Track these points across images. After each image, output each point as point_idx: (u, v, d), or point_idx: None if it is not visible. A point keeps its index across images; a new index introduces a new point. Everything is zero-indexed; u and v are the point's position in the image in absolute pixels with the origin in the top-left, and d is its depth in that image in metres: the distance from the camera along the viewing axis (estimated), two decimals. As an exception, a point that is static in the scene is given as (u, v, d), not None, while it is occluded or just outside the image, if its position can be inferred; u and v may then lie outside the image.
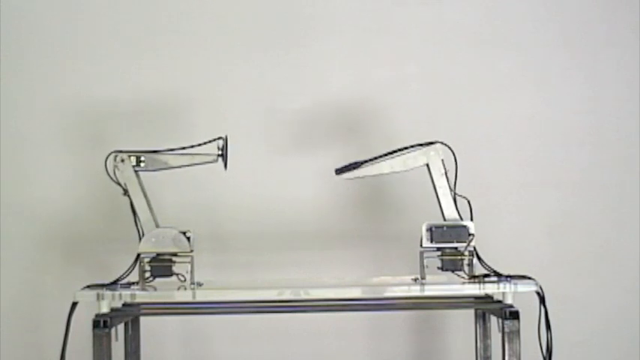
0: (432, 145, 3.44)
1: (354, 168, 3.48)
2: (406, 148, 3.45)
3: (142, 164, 3.41)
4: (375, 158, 3.47)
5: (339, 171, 3.49)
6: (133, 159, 3.41)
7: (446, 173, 3.43)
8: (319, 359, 4.12)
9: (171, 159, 3.45)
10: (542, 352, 3.37)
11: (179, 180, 3.93)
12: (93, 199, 4.04)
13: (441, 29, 4.19)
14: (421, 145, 3.45)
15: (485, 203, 4.03)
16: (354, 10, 4.19)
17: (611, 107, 4.19)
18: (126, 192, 3.39)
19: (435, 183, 3.43)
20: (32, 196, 4.09)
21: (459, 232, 3.37)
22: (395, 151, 3.46)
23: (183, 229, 3.40)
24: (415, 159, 3.46)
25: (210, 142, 3.43)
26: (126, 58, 4.14)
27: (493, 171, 4.14)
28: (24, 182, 4.10)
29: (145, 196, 3.41)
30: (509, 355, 3.20)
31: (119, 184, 3.39)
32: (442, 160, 3.43)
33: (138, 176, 3.41)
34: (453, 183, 3.43)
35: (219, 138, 3.43)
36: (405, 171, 3.47)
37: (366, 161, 3.48)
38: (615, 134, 4.19)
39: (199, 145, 3.43)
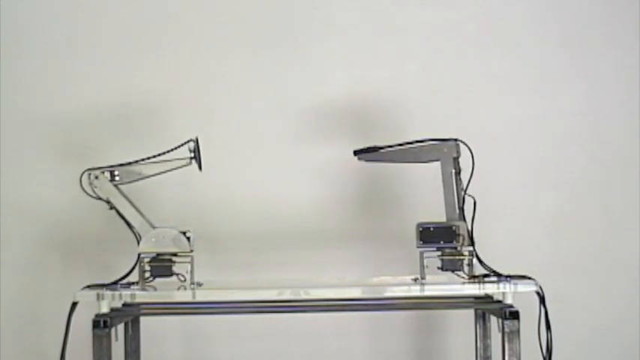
0: (446, 142, 3.43)
1: (373, 151, 3.49)
2: (422, 140, 3.45)
3: (117, 178, 3.41)
4: (392, 146, 3.48)
5: (358, 152, 3.50)
6: (107, 174, 3.40)
7: (458, 172, 3.42)
8: (319, 359, 4.12)
9: (145, 168, 3.44)
10: (542, 352, 3.37)
11: (178, 180, 3.93)
12: (93, 199, 4.03)
13: (441, 29, 4.19)
14: (437, 140, 3.44)
15: (485, 203, 4.02)
16: (354, 10, 4.18)
17: (611, 107, 4.19)
18: (111, 206, 3.40)
19: (443, 180, 3.43)
20: (32, 196, 4.09)
21: (446, 232, 3.38)
22: (410, 142, 3.47)
23: (183, 229, 3.41)
24: (428, 153, 3.46)
25: (180, 146, 3.42)
26: (124, 58, 4.15)
27: (493, 171, 4.13)
28: (24, 182, 4.10)
29: (131, 202, 3.41)
30: (509, 355, 3.20)
31: (100, 198, 3.39)
32: (454, 159, 3.42)
33: (117, 187, 3.41)
34: (466, 182, 3.42)
35: (190, 140, 3.43)
36: (418, 162, 3.48)
37: (383, 147, 3.49)
38: (615, 134, 4.19)
39: (170, 150, 3.42)
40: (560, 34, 4.20)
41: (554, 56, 4.19)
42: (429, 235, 3.38)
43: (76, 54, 4.15)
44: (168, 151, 3.43)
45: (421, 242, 3.39)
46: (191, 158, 3.43)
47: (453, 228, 3.38)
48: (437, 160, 3.44)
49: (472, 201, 3.41)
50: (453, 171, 3.42)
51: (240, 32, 4.17)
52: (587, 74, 4.20)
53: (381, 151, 3.49)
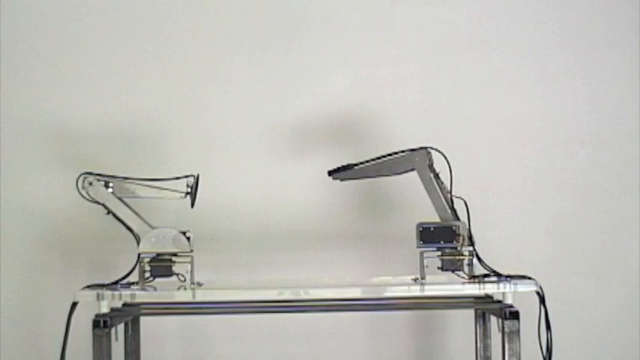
0: (418, 151, 3.45)
1: (346, 169, 3.51)
2: (393, 153, 3.46)
3: (110, 190, 3.41)
4: (365, 162, 3.50)
5: (332, 172, 3.52)
6: (102, 183, 3.41)
7: (436, 176, 3.44)
8: (319, 359, 4.12)
9: (139, 189, 3.44)
10: (542, 352, 3.37)
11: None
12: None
13: (441, 29, 4.18)
14: (407, 150, 3.46)
15: (485, 203, 4.04)
16: (354, 10, 4.18)
17: (611, 107, 4.19)
18: (108, 211, 3.40)
19: (425, 187, 3.44)
20: (32, 197, 4.09)
21: (446, 232, 3.38)
22: (384, 156, 3.49)
23: (183, 229, 3.41)
24: (400, 164, 3.48)
25: (179, 178, 3.43)
26: (123, 59, 4.14)
27: (493, 171, 4.14)
28: (24, 182, 4.10)
29: (127, 205, 3.41)
30: (509, 355, 3.20)
31: (97, 202, 3.40)
32: (430, 165, 3.43)
33: (113, 191, 3.42)
34: (448, 184, 3.43)
35: (190, 176, 3.44)
36: (393, 175, 3.49)
37: (356, 164, 3.51)
38: (615, 134, 4.19)
39: (174, 179, 3.44)
40: (560, 34, 4.20)
41: (554, 56, 4.19)
42: (429, 235, 3.38)
43: (76, 58, 4.14)
44: (166, 179, 3.44)
45: (421, 242, 3.39)
46: (186, 193, 3.43)
47: (453, 228, 3.38)
48: (412, 170, 3.46)
49: (462, 202, 3.43)
50: (432, 175, 3.44)
51: (239, 33, 4.16)
52: (588, 74, 4.20)
53: (355, 168, 3.51)
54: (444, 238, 3.38)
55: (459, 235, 3.37)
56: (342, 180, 3.55)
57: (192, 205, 3.45)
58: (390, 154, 3.48)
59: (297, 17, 4.17)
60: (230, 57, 4.16)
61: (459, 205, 3.45)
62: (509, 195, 4.15)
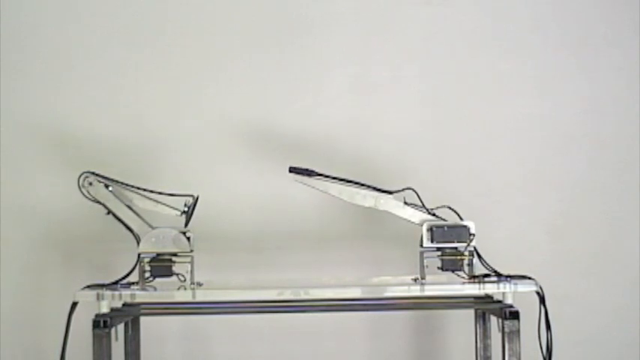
0: (381, 194, 3.45)
1: (307, 174, 3.48)
2: (362, 184, 3.47)
3: (110, 189, 3.42)
4: (330, 177, 3.47)
5: (293, 169, 3.48)
6: (102, 185, 3.41)
7: (405, 203, 3.45)
8: (319, 359, 4.12)
9: (137, 199, 3.45)
10: (542, 352, 3.37)
11: (178, 179, 3.94)
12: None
13: (442, 29, 4.18)
14: (371, 188, 3.46)
15: (485, 203, 4.04)
16: (354, 11, 4.18)
17: (611, 107, 4.19)
18: (108, 210, 3.40)
19: (402, 217, 3.44)
20: (32, 196, 4.09)
21: (459, 232, 3.38)
22: (354, 182, 3.47)
23: (183, 229, 3.41)
24: (363, 198, 3.47)
25: (180, 195, 3.44)
26: (121, 59, 4.14)
27: (493, 171, 4.13)
28: (24, 182, 4.10)
29: (127, 205, 3.42)
30: (509, 355, 3.20)
31: (98, 202, 3.41)
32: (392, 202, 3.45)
33: (113, 191, 3.43)
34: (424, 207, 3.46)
35: (190, 195, 3.44)
36: (351, 203, 3.49)
37: (320, 174, 3.48)
38: (615, 135, 4.18)
39: (173, 195, 3.44)
40: (560, 34, 4.20)
41: (554, 56, 4.19)
42: (442, 234, 3.37)
43: (77, 58, 4.13)
44: (165, 194, 3.45)
45: (434, 242, 3.38)
46: (182, 212, 3.43)
47: (467, 227, 3.38)
48: (372, 206, 3.46)
49: (449, 209, 3.45)
50: (401, 203, 3.44)
51: (236, 34, 4.16)
52: (588, 74, 4.20)
53: (316, 177, 3.47)
54: (457, 237, 3.38)
55: (471, 234, 3.37)
56: (300, 182, 3.49)
57: (186, 224, 3.44)
58: (357, 182, 3.47)
59: (296, 18, 4.18)
60: (229, 60, 4.15)
61: (446, 214, 3.47)
62: (509, 195, 4.15)
